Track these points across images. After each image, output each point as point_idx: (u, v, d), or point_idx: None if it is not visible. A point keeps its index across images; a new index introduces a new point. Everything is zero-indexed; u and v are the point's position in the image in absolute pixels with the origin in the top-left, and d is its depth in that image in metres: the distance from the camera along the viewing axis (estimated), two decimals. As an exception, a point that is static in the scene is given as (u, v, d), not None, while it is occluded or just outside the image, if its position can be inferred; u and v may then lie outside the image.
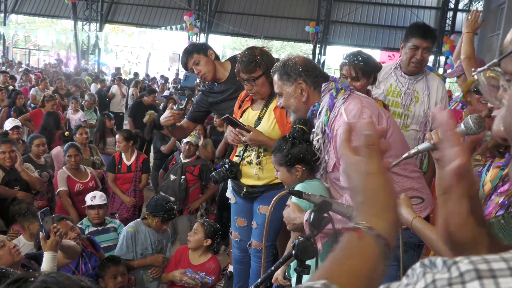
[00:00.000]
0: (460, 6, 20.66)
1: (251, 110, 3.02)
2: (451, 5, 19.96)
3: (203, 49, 3.33)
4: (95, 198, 3.92)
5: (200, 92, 3.54)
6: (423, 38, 3.05)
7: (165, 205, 3.64)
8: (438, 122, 0.76)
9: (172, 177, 4.77)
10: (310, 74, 2.27)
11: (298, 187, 2.35)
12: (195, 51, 3.30)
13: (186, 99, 3.18)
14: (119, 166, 5.02)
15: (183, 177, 4.76)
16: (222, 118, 2.86)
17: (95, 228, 3.90)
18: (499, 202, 1.48)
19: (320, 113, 2.20)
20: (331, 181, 2.31)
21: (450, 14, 19.97)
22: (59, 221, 3.09)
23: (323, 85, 2.26)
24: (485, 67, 0.73)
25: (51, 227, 2.56)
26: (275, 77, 2.34)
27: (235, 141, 2.89)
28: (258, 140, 2.83)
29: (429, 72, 3.28)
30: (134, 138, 5.22)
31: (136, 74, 19.51)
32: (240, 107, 3.09)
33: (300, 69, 2.27)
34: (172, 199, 4.66)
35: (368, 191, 0.76)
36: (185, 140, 4.86)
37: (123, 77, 17.49)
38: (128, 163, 5.05)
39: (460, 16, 20.69)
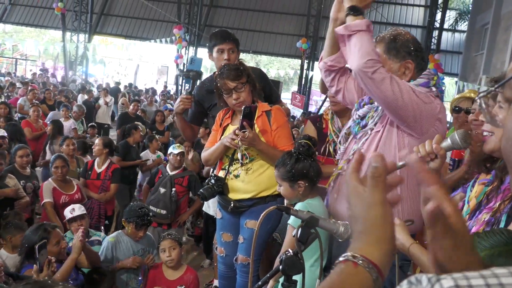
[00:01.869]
0: (446, 25, 21.04)
1: (232, 126, 3.02)
2: (437, 24, 20.31)
3: (239, 45, 3.38)
4: (74, 210, 3.87)
5: (198, 90, 3.51)
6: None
7: (138, 211, 3.63)
8: (409, 165, 0.78)
9: (162, 190, 4.75)
10: (419, 55, 2.17)
11: (298, 206, 2.37)
12: (237, 43, 3.34)
13: (191, 81, 3.23)
14: (89, 172, 5.05)
15: (173, 189, 4.75)
16: (244, 107, 2.76)
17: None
18: (486, 219, 1.50)
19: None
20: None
21: (435, 33, 20.31)
22: (53, 229, 3.09)
23: (426, 70, 2.19)
24: (485, 92, 0.76)
25: (46, 260, 2.56)
26: (380, 49, 2.17)
27: (233, 144, 2.81)
28: (255, 141, 2.78)
29: None
30: (111, 148, 5.24)
31: (117, 83, 19.43)
32: (220, 125, 3.08)
33: (412, 48, 2.15)
34: (164, 212, 4.66)
35: (368, 221, 0.78)
36: (175, 152, 4.87)
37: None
38: (99, 170, 5.07)
39: (445, 35, 21.06)
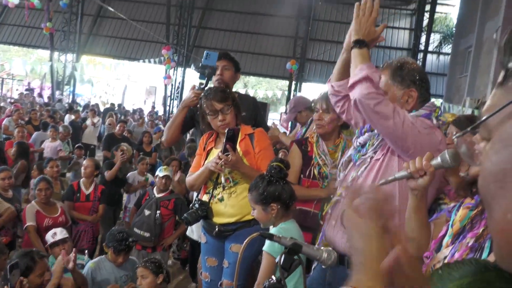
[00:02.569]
0: (430, 48, 21.44)
1: (215, 150, 3.01)
2: (422, 47, 20.67)
3: (237, 67, 3.44)
4: (56, 234, 3.81)
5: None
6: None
7: (117, 235, 3.58)
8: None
9: (147, 212, 4.71)
10: (424, 86, 2.18)
11: (272, 231, 2.36)
12: (233, 61, 3.41)
13: (206, 78, 3.20)
14: (78, 195, 5.00)
15: (158, 212, 4.69)
16: (228, 129, 2.76)
17: (62, 266, 3.79)
18: (470, 244, 1.51)
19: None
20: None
21: (420, 55, 20.66)
22: (40, 258, 3.02)
23: (429, 103, 2.20)
24: (461, 133, 0.77)
25: (18, 281, 2.50)
26: (385, 76, 2.20)
27: (218, 168, 2.79)
28: (238, 164, 2.78)
29: None
30: (99, 170, 5.20)
31: (112, 104, 19.43)
32: (204, 149, 3.08)
33: (417, 77, 2.17)
34: (147, 234, 4.60)
35: (366, 253, 0.79)
36: (161, 174, 4.84)
37: (101, 106, 17.44)
38: (87, 192, 5.04)
39: (430, 57, 21.44)
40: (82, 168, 5.25)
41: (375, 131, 2.24)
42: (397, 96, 2.16)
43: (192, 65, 21.83)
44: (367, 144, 2.28)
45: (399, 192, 2.08)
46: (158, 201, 4.77)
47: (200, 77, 3.23)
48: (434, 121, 2.16)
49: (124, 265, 3.63)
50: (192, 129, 3.87)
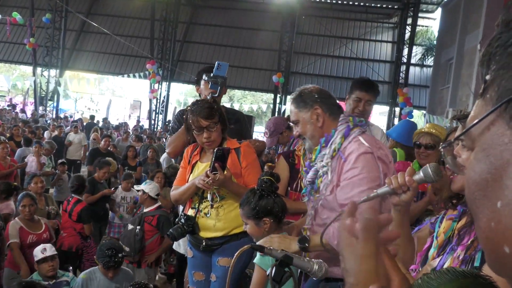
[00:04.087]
0: (413, 60, 21.76)
1: (200, 164, 3.00)
2: (404, 60, 20.97)
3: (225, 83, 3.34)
4: (45, 250, 3.75)
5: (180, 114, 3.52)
6: (365, 91, 3.33)
7: (105, 251, 3.57)
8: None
9: (130, 226, 4.68)
10: (326, 101, 2.31)
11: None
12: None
13: (219, 87, 3.19)
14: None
15: (138, 227, 4.65)
16: (217, 149, 2.73)
17: (46, 283, 3.71)
18: (460, 258, 1.51)
19: (333, 140, 2.22)
20: (324, 202, 2.27)
21: (403, 68, 20.95)
22: None
23: (341, 116, 2.30)
24: (446, 144, 0.78)
25: None
26: (292, 107, 2.36)
27: (205, 186, 2.76)
28: (226, 183, 2.76)
29: (372, 124, 3.48)
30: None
31: (92, 117, 19.17)
32: (189, 162, 3.05)
33: (316, 96, 2.31)
34: (127, 249, 4.54)
35: (360, 275, 0.78)
36: (141, 188, 4.87)
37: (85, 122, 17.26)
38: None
39: (412, 70, 21.74)
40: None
41: (317, 165, 2.28)
42: (306, 119, 2.30)
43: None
44: (316, 182, 2.31)
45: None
46: (142, 216, 4.75)
47: (212, 87, 3.21)
48: (357, 132, 2.22)
49: (116, 277, 3.61)
50: None
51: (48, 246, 3.82)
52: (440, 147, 0.85)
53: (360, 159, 2.09)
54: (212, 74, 3.21)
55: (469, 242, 1.52)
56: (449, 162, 0.79)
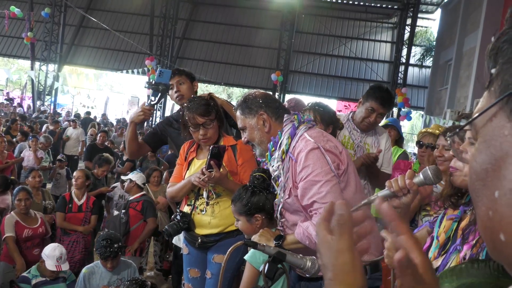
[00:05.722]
0: (412, 61, 21.76)
1: (197, 160, 3.00)
2: (403, 60, 20.97)
3: (192, 77, 3.47)
4: (60, 267, 3.68)
5: (164, 121, 3.60)
6: (382, 105, 3.21)
7: (101, 242, 3.63)
8: (382, 215, 0.80)
9: (115, 212, 4.84)
10: (271, 105, 2.33)
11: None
12: (185, 74, 3.43)
13: (160, 94, 3.19)
14: (70, 205, 4.97)
15: (123, 211, 4.79)
16: (213, 147, 2.74)
17: (44, 279, 3.71)
18: (467, 256, 1.52)
19: (281, 142, 2.23)
20: (285, 205, 2.29)
21: (402, 68, 20.94)
22: None
23: (285, 116, 2.32)
24: (453, 133, 0.79)
25: None
26: (238, 113, 2.38)
27: (201, 183, 2.77)
28: (222, 181, 2.77)
29: (378, 126, 3.46)
30: (90, 180, 5.24)
31: (88, 113, 19.13)
32: (185, 159, 3.06)
33: (261, 101, 2.33)
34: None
35: (337, 268, 0.79)
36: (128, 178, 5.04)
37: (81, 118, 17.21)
38: (79, 203, 5.01)
39: (411, 70, 21.75)
40: (73, 179, 5.18)
41: (272, 171, 2.30)
42: (253, 125, 2.33)
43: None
44: (274, 187, 2.35)
45: None
46: (128, 202, 4.90)
47: (153, 94, 3.23)
48: (303, 130, 2.23)
49: (117, 269, 3.63)
50: None
51: (64, 264, 3.74)
52: (446, 136, 0.86)
53: (309, 157, 2.10)
54: (153, 81, 3.24)
55: (474, 241, 1.53)
56: (454, 151, 0.80)
